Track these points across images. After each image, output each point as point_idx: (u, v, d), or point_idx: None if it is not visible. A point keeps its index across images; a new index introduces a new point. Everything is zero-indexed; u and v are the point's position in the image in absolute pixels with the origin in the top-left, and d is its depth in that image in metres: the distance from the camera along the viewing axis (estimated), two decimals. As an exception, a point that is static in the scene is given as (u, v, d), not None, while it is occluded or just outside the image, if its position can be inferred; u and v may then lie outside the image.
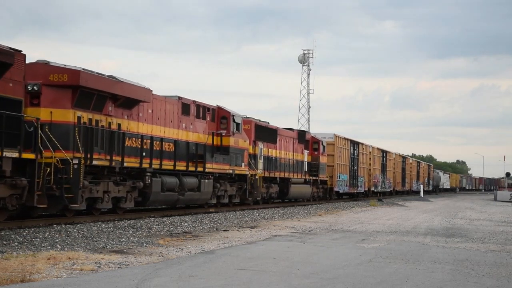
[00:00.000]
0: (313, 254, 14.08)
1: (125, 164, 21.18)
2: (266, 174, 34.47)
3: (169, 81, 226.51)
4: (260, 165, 33.61)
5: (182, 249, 14.26)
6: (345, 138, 50.82)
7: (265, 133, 34.92)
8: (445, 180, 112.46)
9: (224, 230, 19.44)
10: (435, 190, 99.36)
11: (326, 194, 46.41)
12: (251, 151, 32.25)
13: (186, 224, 20.84)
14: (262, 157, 33.92)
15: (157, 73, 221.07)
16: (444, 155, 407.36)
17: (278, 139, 36.84)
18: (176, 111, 25.03)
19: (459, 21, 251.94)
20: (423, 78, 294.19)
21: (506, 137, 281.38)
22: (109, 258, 12.28)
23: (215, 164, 27.39)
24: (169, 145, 24.08)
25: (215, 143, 27.46)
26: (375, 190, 61.19)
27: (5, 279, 9.61)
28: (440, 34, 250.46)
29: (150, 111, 23.10)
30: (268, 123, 35.94)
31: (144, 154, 22.15)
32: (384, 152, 65.18)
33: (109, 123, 20.72)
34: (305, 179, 41.41)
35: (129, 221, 20.41)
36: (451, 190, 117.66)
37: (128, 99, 21.36)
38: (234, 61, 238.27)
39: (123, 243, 15.13)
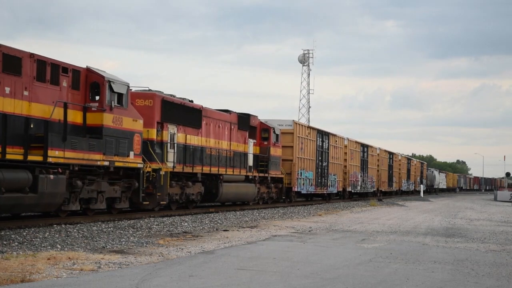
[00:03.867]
0: (313, 254, 14.08)
1: None
2: (179, 169, 25.53)
3: (169, 81, 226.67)
4: (171, 156, 25.01)
5: (182, 249, 14.26)
6: (309, 127, 42.67)
7: (181, 113, 25.96)
8: (441, 180, 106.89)
9: (224, 230, 19.45)
10: (430, 191, 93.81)
11: (281, 196, 37.65)
12: (152, 136, 24.05)
13: (186, 224, 20.85)
14: (174, 145, 25.30)
15: (157, 73, 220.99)
16: (444, 155, 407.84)
17: (203, 123, 27.92)
18: None
19: (460, 20, 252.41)
20: (424, 78, 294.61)
21: (506, 137, 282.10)
22: (109, 258, 12.29)
23: (71, 152, 18.26)
24: None
25: (72, 120, 18.88)
26: (353, 191, 52.68)
27: (5, 279, 9.61)
28: (441, 34, 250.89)
29: None
30: (192, 101, 27.39)
31: None
32: (364, 147, 56.41)
33: None
34: (248, 176, 32.40)
35: (129, 221, 20.42)
36: (447, 190, 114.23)
37: None
38: (235, 61, 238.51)
39: (123, 243, 15.14)
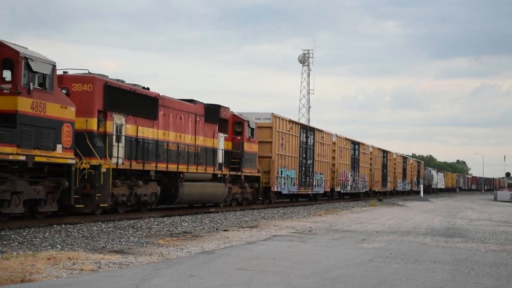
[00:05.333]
0: (313, 254, 14.08)
1: None
2: (126, 165, 21.81)
3: (169, 81, 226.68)
4: (117, 151, 21.31)
5: (182, 249, 14.26)
6: (291, 121, 37.80)
7: (131, 101, 22.26)
8: (439, 180, 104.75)
9: (224, 230, 19.45)
10: (428, 190, 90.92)
11: (258, 196, 34.05)
12: (92, 127, 20.32)
13: (186, 224, 20.86)
14: (122, 138, 21.60)
15: (157, 73, 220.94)
16: (444, 155, 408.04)
17: (161, 113, 24.11)
18: None
19: (461, 20, 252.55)
20: (424, 78, 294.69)
21: (506, 137, 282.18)
22: (109, 258, 12.29)
23: None
24: None
25: None
26: (342, 191, 48.86)
27: (5, 279, 9.61)
28: (441, 34, 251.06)
29: None
30: (147, 88, 23.62)
31: None
32: (356, 144, 52.64)
33: None
34: (216, 175, 28.66)
35: (129, 221, 20.43)
36: (446, 190, 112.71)
37: None
38: (235, 61, 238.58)
39: (123, 243, 15.14)
